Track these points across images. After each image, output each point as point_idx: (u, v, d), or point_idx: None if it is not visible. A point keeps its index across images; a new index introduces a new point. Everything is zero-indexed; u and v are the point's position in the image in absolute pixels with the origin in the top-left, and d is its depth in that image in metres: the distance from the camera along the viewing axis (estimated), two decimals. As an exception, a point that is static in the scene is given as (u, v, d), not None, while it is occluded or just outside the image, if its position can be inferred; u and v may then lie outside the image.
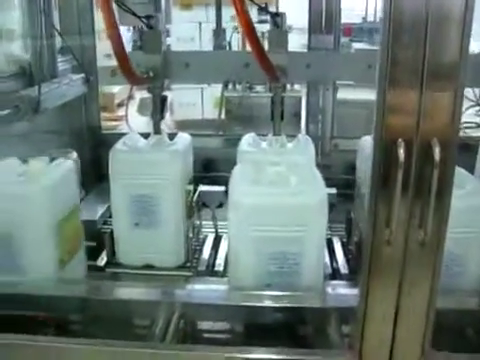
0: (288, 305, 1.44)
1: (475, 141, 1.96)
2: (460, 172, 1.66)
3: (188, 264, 1.89)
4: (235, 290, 1.56)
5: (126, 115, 2.59)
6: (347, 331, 1.40)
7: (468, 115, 4.96)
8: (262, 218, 1.52)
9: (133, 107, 4.07)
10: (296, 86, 4.02)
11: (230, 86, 4.08)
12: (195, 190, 2.00)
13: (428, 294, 1.17)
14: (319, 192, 1.55)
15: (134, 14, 1.88)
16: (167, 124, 4.88)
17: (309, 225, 1.52)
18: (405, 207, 1.11)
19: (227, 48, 3.56)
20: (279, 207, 1.53)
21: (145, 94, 2.05)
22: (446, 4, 1.00)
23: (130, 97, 2.76)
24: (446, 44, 1.03)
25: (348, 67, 2.22)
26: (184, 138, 2.01)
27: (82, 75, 2.31)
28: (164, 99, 2.00)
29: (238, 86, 4.12)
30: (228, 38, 3.78)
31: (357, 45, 5.49)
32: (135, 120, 2.49)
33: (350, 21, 6.41)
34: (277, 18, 1.96)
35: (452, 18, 1.01)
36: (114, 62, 1.74)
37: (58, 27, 2.23)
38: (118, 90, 6.11)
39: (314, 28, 2.35)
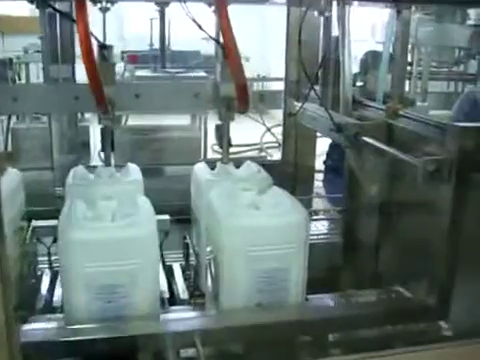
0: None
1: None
2: (278, 192, 1.75)
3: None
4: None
5: None
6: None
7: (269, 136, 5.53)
8: (92, 255, 1.48)
9: None
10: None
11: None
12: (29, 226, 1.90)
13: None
14: (148, 224, 1.55)
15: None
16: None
17: (140, 258, 1.51)
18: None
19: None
20: (109, 242, 1.50)
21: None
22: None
23: None
24: None
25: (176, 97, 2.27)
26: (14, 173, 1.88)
27: None
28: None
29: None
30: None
31: (141, 72, 5.57)
32: None
33: (136, 49, 6.56)
34: (104, 51, 1.94)
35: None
36: None
37: None
38: None
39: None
